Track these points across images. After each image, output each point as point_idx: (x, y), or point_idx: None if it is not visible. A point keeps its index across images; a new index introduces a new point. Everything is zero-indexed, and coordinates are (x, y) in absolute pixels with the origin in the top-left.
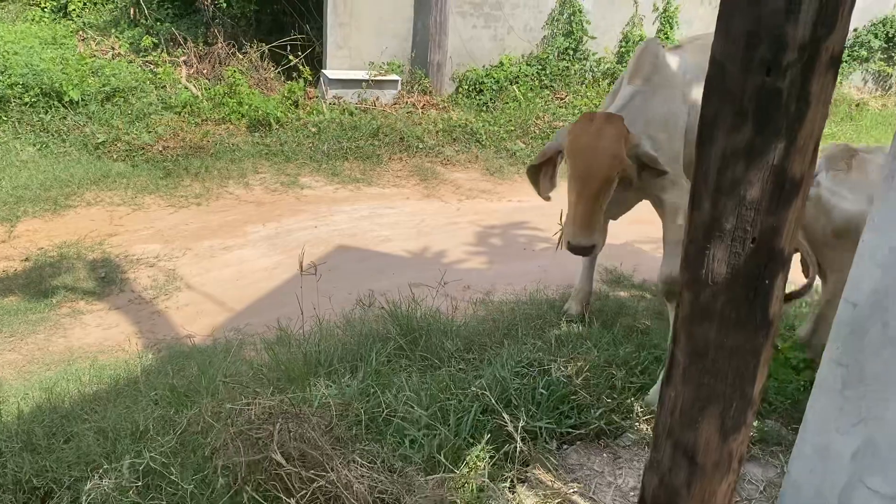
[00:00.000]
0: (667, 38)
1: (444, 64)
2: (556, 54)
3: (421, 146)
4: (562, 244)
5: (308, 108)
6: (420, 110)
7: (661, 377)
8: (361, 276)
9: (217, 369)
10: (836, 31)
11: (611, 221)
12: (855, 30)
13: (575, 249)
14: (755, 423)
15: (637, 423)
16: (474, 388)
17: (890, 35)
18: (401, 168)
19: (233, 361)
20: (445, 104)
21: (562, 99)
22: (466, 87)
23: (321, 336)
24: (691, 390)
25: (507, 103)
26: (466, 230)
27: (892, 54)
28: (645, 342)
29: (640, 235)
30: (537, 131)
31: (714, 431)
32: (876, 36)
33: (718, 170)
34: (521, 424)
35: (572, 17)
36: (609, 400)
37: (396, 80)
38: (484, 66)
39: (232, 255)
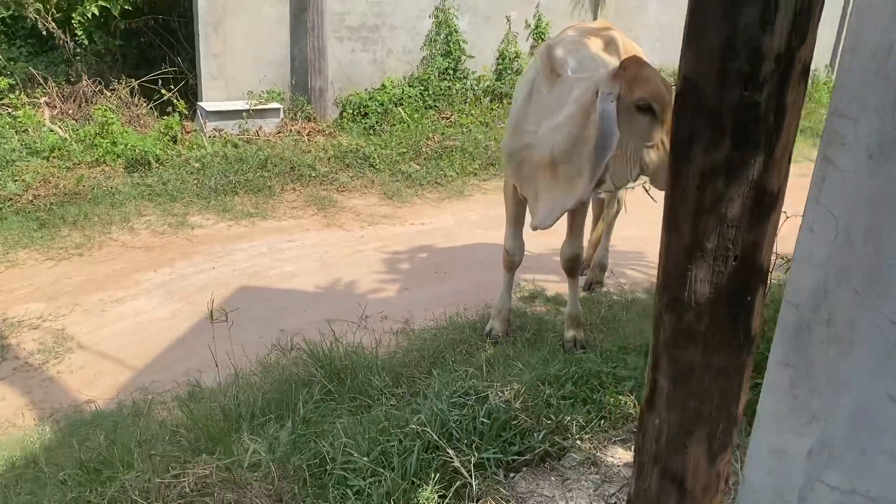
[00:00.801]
0: None
1: (325, 89)
2: (436, 74)
3: (313, 174)
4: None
5: (188, 143)
6: (306, 137)
7: None
8: (271, 318)
9: (129, 436)
10: (807, 41)
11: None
12: None
13: None
14: None
15: (578, 442)
16: (413, 426)
17: None
18: (295, 198)
19: (145, 425)
20: (331, 129)
21: (447, 118)
22: (351, 111)
23: (239, 387)
24: (677, 415)
25: (395, 125)
26: (373, 258)
27: None
28: (570, 357)
29: (547, 249)
30: (429, 152)
31: (702, 454)
32: None
33: (698, 188)
34: (469, 459)
35: (449, 38)
36: (548, 420)
37: (278, 108)
38: (366, 90)
39: (125, 308)
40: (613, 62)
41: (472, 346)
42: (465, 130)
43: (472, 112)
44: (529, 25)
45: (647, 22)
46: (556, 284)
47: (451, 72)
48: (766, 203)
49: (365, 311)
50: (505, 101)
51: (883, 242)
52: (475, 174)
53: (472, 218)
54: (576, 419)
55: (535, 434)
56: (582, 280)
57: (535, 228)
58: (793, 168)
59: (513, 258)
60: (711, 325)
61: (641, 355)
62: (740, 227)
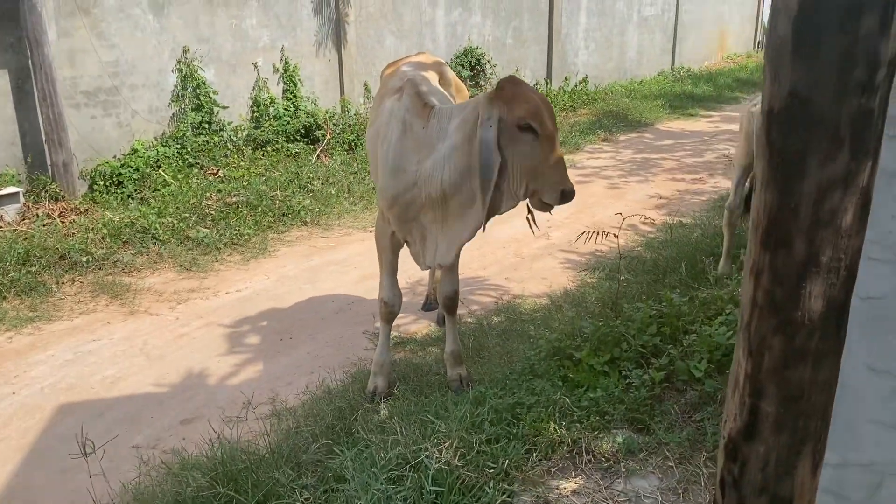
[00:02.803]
0: (294, 95)
1: (70, 163)
2: (191, 130)
3: (90, 260)
4: (550, 204)
5: None
6: (59, 219)
7: None
8: (115, 434)
9: None
10: None
11: None
12: (457, 57)
13: (573, 194)
14: (619, 441)
15: (517, 481)
16: None
17: (473, 63)
18: (78, 291)
19: None
20: (86, 206)
21: (214, 174)
22: (102, 182)
23: None
24: (787, 437)
25: (158, 190)
26: (203, 339)
27: (479, 80)
28: (466, 397)
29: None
30: (214, 213)
31: (808, 471)
32: (463, 66)
33: (815, 203)
34: None
35: (197, 91)
36: (490, 469)
37: (17, 192)
38: (116, 157)
39: None
40: (450, 93)
41: (365, 410)
42: (245, 184)
43: (241, 164)
44: (278, 70)
45: (388, 56)
46: (409, 326)
47: (207, 125)
48: (868, 207)
49: (213, 399)
50: (268, 149)
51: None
52: (272, 228)
53: (289, 274)
54: (511, 461)
55: (486, 488)
56: (434, 315)
57: (428, 268)
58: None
59: (391, 309)
60: (822, 339)
61: (538, 377)
62: (851, 236)
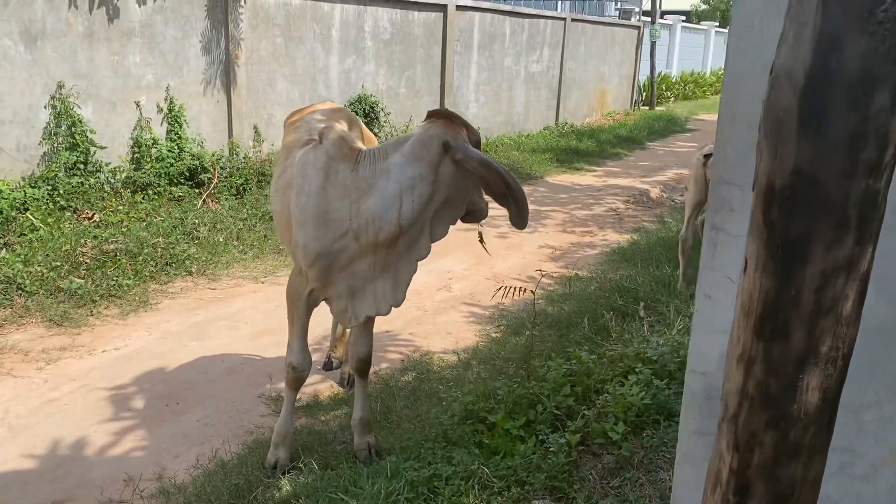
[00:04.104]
0: (179, 136)
1: None
2: (64, 171)
3: None
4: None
5: None
6: None
7: None
8: None
9: None
10: None
11: None
12: (351, 104)
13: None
14: None
15: None
16: None
17: (367, 111)
18: None
19: None
20: None
21: (90, 218)
22: None
23: None
24: None
25: (25, 235)
26: (76, 405)
27: (373, 128)
28: (379, 468)
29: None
30: (90, 261)
31: None
32: (357, 113)
33: (817, 290)
34: None
35: (73, 129)
36: None
37: None
38: None
39: None
40: (358, 138)
41: (265, 487)
42: (124, 229)
43: (119, 207)
44: (162, 109)
45: (279, 99)
46: (314, 386)
47: (82, 165)
48: (865, 293)
49: (91, 474)
50: (150, 192)
51: None
52: (154, 278)
53: (173, 329)
54: None
55: None
56: (336, 374)
57: (356, 325)
58: None
59: (300, 374)
60: (816, 435)
61: (453, 444)
62: (850, 324)
